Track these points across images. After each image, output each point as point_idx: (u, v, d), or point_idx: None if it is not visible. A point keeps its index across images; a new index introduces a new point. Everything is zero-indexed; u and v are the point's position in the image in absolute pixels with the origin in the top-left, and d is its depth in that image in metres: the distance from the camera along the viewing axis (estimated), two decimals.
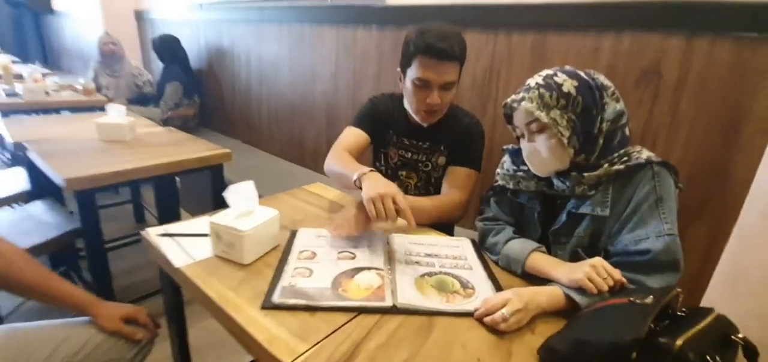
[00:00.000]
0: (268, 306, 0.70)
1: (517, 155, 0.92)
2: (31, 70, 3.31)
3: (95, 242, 1.38)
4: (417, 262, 0.88)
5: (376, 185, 0.90)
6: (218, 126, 3.19)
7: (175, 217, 1.97)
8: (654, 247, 0.73)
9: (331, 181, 1.17)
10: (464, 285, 0.81)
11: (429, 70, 1.03)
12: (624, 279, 0.72)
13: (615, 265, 0.72)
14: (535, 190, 0.89)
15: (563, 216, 0.85)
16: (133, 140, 1.68)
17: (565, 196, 0.85)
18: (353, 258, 0.88)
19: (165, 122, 2.78)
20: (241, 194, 0.85)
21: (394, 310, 0.72)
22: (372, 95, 1.28)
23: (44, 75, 3.38)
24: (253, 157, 2.67)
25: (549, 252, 0.87)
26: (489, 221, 0.99)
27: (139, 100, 3.12)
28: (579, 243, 0.83)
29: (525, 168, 0.89)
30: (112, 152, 1.52)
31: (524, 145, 0.87)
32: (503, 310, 0.68)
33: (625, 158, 0.78)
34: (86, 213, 1.33)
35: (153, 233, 0.94)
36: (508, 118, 0.90)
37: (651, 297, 0.62)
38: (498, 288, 0.80)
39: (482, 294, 0.78)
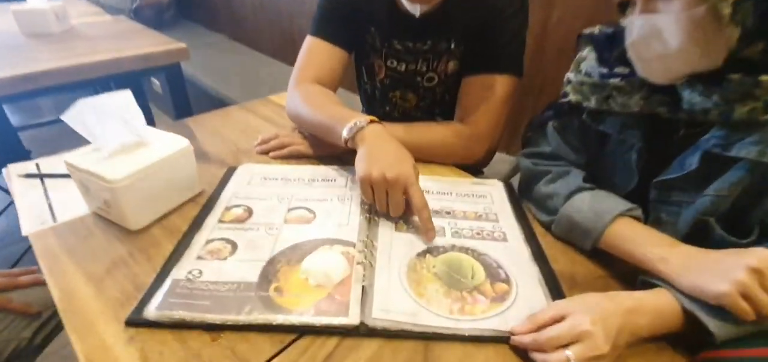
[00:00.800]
0: (137, 321, 0.39)
1: (609, 46, 0.50)
2: None
3: None
4: (414, 227, 0.54)
5: (381, 157, 0.53)
6: (199, 16, 2.72)
7: None
8: None
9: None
10: (493, 274, 0.47)
11: None
12: None
13: None
14: (640, 112, 0.49)
15: (693, 159, 0.45)
16: (63, 33, 1.30)
17: (701, 123, 0.45)
18: (311, 219, 0.54)
19: (135, 13, 2.35)
20: (106, 113, 0.49)
21: (364, 331, 0.40)
22: None
23: None
24: (239, 56, 2.25)
25: (646, 217, 0.50)
26: (541, 159, 0.61)
27: None
28: (713, 209, 0.45)
29: (624, 71, 0.48)
30: (30, 50, 1.16)
31: (633, 20, 0.45)
32: (569, 353, 0.35)
33: None
34: None
35: (15, 172, 0.62)
36: None
37: None
38: (553, 284, 0.46)
39: (525, 294, 0.44)
